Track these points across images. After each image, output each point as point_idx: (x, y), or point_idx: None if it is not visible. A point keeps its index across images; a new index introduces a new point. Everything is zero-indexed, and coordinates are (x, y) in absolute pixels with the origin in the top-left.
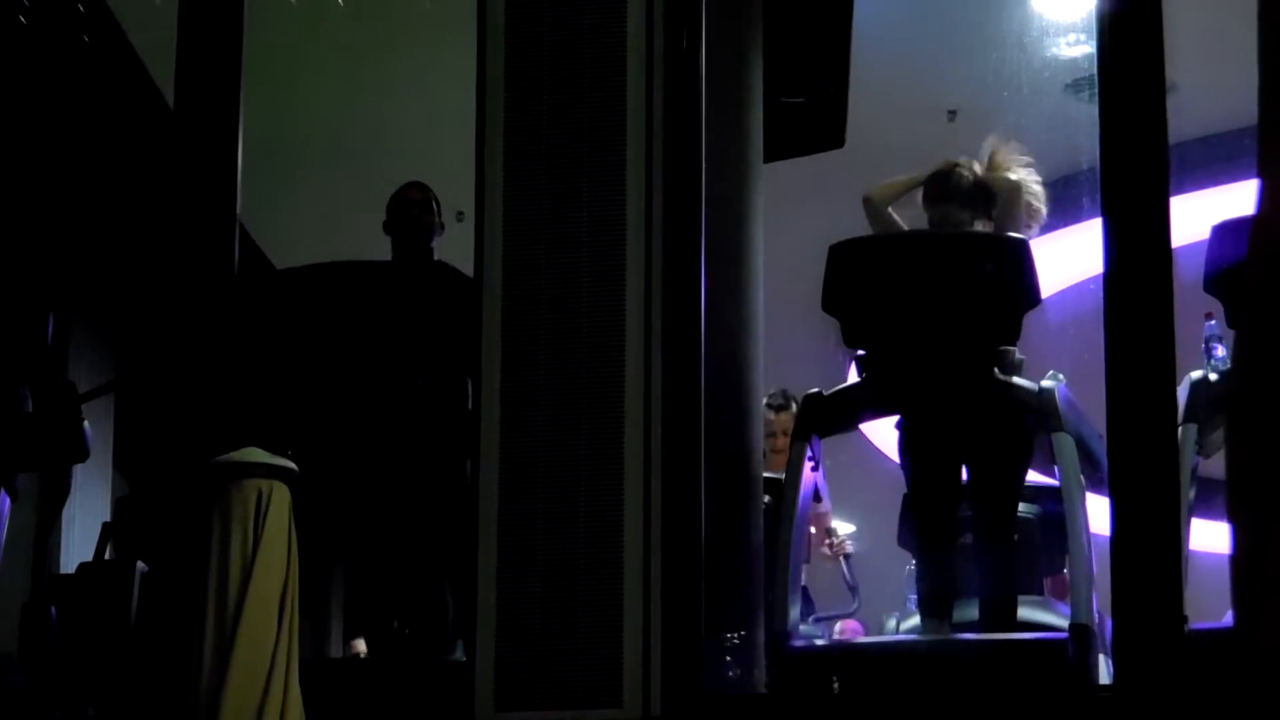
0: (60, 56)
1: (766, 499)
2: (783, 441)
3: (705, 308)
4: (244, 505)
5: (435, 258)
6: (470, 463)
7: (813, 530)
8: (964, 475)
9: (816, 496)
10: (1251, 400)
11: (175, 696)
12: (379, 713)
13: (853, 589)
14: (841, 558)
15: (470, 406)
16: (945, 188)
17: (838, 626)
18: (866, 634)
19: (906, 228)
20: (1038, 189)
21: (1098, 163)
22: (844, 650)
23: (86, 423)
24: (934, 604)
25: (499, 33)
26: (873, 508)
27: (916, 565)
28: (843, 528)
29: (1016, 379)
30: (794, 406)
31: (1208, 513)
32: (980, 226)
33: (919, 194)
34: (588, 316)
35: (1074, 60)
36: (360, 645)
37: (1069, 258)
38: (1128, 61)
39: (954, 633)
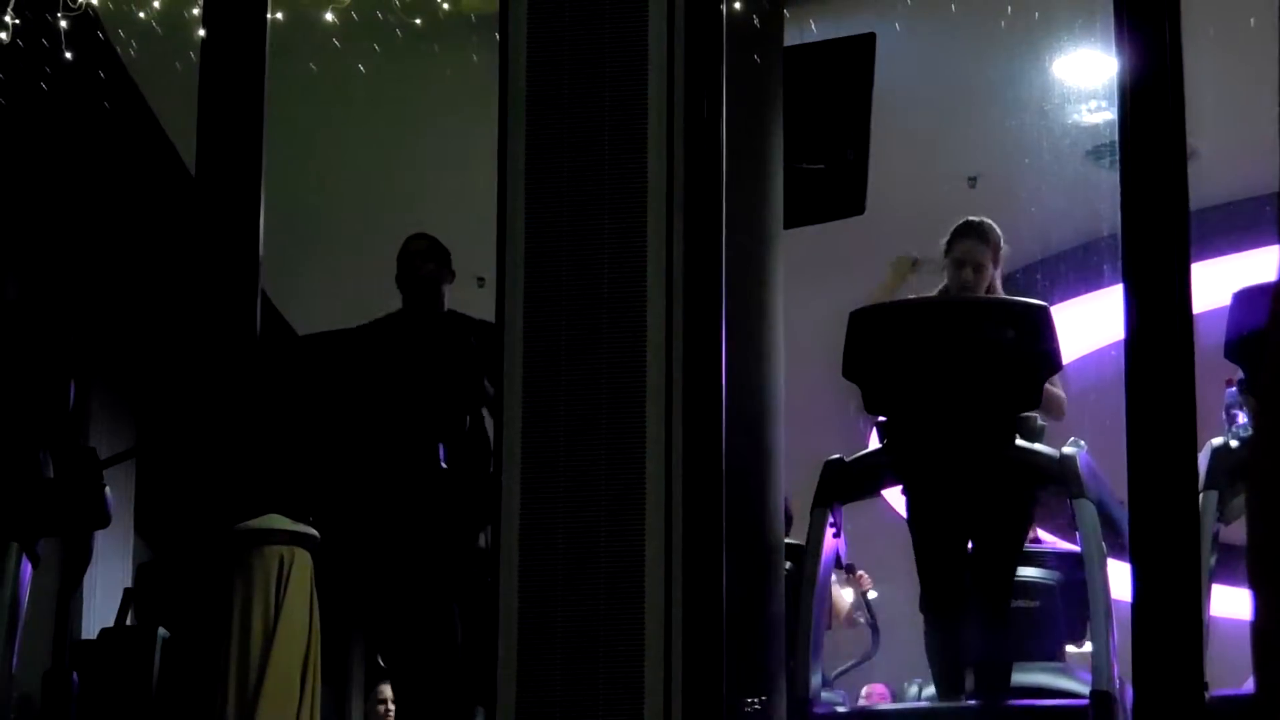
0: (82, 123)
1: (788, 565)
2: None
3: (726, 374)
4: (266, 572)
5: (446, 308)
6: (490, 528)
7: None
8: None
9: (838, 563)
10: (1272, 471)
11: None
12: None
13: (873, 628)
14: (863, 594)
15: (490, 468)
16: (969, 226)
17: (864, 691)
18: (891, 700)
19: None
20: None
21: (1119, 229)
22: (866, 717)
23: (108, 488)
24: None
25: (520, 99)
26: (895, 574)
27: (927, 637)
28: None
29: (1037, 445)
30: None
31: (1229, 579)
32: (992, 269)
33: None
34: (609, 382)
35: (1095, 127)
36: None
37: (1090, 324)
38: (1149, 128)
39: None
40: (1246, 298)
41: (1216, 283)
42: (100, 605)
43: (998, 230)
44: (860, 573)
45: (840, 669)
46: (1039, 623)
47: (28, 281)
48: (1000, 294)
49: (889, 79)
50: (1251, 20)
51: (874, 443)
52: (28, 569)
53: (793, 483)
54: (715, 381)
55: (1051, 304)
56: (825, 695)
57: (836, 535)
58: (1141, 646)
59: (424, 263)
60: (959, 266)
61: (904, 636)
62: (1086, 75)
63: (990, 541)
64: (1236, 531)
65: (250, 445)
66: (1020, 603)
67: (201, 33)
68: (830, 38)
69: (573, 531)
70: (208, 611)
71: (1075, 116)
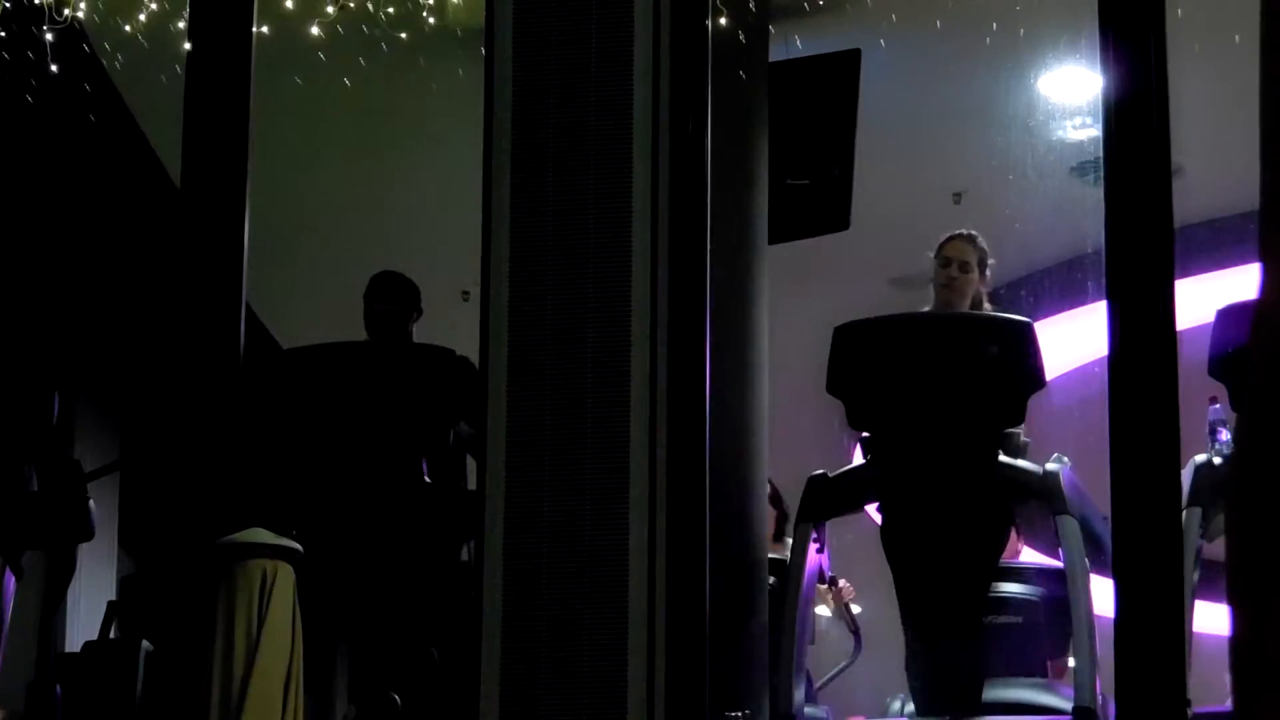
0: (66, 136)
1: (772, 580)
2: None
3: (710, 389)
4: (249, 586)
5: (414, 340)
6: (473, 546)
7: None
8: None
9: (821, 578)
10: (1251, 489)
11: None
12: None
13: (855, 634)
14: (845, 604)
15: (470, 486)
16: (959, 233)
17: None
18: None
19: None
20: None
21: (1103, 246)
22: None
23: (92, 502)
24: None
25: (506, 114)
26: (878, 588)
27: (907, 657)
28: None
29: (1021, 461)
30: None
31: (1211, 596)
32: (977, 273)
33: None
34: (593, 397)
35: (1080, 143)
36: None
37: (1074, 340)
38: (1133, 145)
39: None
40: (1230, 315)
41: (1201, 299)
42: (84, 618)
43: (985, 244)
44: (842, 583)
45: (824, 678)
46: (1021, 638)
47: (11, 293)
48: (986, 310)
49: (874, 95)
50: (1236, 37)
51: (858, 458)
52: (11, 582)
53: None
54: (699, 396)
55: (1035, 320)
56: (809, 710)
57: (820, 550)
58: (1124, 663)
59: (382, 303)
60: (945, 265)
61: (886, 651)
62: (1071, 91)
63: (970, 557)
64: (1220, 548)
65: (234, 459)
66: (1003, 618)
67: (187, 46)
68: (815, 54)
69: (557, 550)
70: (191, 625)
71: (1060, 133)
